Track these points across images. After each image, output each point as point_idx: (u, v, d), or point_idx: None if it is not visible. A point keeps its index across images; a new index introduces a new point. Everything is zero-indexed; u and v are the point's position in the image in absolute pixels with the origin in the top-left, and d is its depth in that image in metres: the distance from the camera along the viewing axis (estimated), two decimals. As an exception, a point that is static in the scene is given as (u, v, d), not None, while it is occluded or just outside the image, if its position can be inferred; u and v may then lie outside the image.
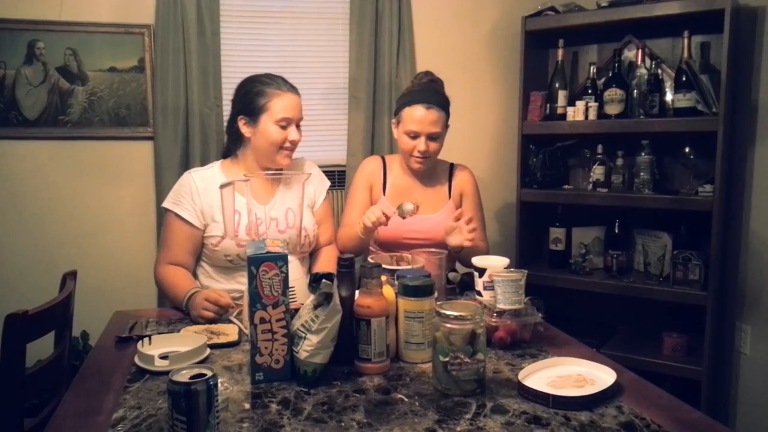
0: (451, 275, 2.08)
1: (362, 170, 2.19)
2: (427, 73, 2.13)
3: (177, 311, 1.74)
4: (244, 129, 1.88)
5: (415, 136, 2.02)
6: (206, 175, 1.89)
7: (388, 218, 1.85)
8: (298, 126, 1.90)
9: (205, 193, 1.85)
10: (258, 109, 1.85)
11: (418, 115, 2.00)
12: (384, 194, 2.13)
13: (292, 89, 1.89)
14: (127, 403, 1.16)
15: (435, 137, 2.03)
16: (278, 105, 1.84)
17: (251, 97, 1.86)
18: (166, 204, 1.87)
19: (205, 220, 1.85)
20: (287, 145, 1.87)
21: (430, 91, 2.05)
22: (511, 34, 2.99)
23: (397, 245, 2.06)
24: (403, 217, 1.88)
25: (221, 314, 1.63)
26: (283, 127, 1.85)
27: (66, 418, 1.12)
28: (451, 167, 2.19)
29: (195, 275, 1.90)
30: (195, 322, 1.62)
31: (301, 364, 1.24)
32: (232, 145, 1.97)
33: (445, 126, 2.06)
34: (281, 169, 1.91)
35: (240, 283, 1.81)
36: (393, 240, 2.07)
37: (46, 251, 2.66)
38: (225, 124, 2.12)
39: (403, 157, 2.12)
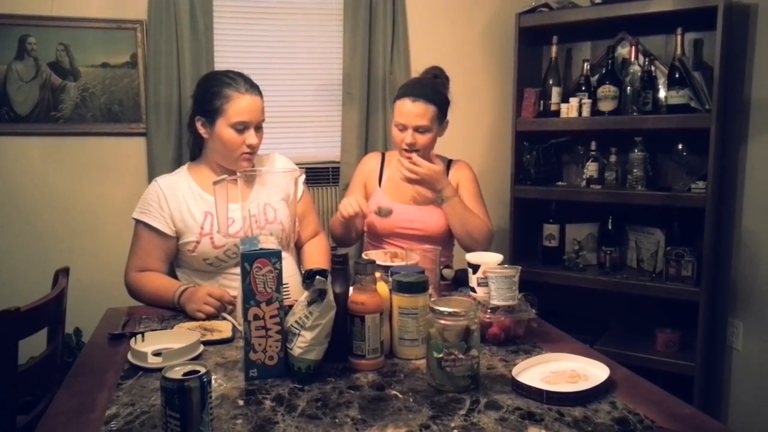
0: (445, 271, 2.09)
1: (360, 167, 2.25)
2: (434, 68, 2.16)
3: (169, 309, 1.72)
4: (201, 130, 1.82)
5: (402, 128, 2.04)
6: (173, 181, 1.85)
7: (364, 214, 1.95)
8: (258, 129, 1.82)
9: (173, 199, 1.80)
10: (214, 110, 1.77)
11: (403, 108, 2.02)
12: (380, 186, 2.15)
13: (252, 90, 1.80)
14: (120, 400, 1.15)
15: (422, 130, 2.02)
16: (234, 108, 1.76)
17: (208, 97, 1.78)
18: (134, 215, 1.82)
19: (176, 227, 1.80)
20: (245, 149, 1.80)
21: (421, 85, 2.06)
22: (504, 31, 2.99)
23: (392, 235, 2.08)
24: (381, 216, 2.00)
25: (222, 311, 1.63)
26: (240, 131, 1.77)
27: (59, 415, 1.12)
28: (449, 163, 2.20)
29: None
30: (192, 317, 1.61)
31: (295, 361, 1.24)
32: (194, 145, 1.92)
33: (436, 121, 2.04)
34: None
35: (223, 285, 1.80)
36: (388, 230, 2.08)
37: (38, 248, 2.65)
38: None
39: (397, 151, 2.14)
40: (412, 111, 2.00)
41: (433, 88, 2.07)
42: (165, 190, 1.81)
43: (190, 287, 1.69)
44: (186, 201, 1.81)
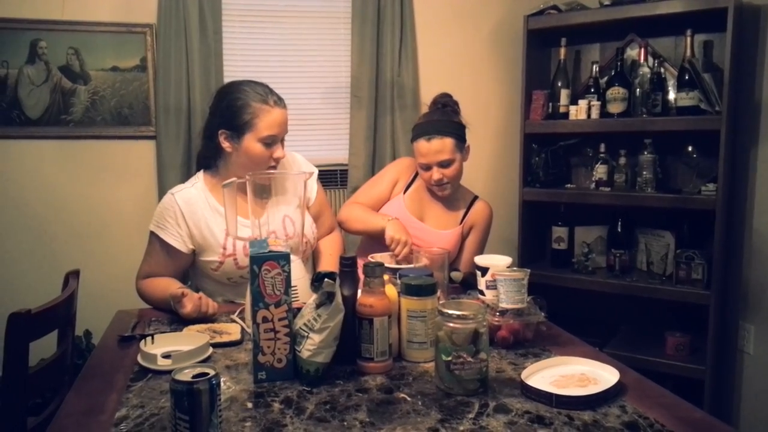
0: (454, 274, 2.08)
1: (396, 166, 2.25)
2: (442, 96, 2.13)
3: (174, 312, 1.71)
4: (225, 143, 1.75)
5: (426, 167, 2.05)
6: (190, 196, 1.78)
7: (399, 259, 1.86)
8: (283, 140, 1.79)
9: (191, 216, 1.75)
10: (242, 125, 1.71)
11: (421, 149, 2.03)
12: (404, 193, 2.14)
13: (279, 102, 1.75)
14: (129, 402, 1.16)
15: (446, 164, 2.03)
16: (265, 122, 1.71)
17: (234, 110, 1.72)
18: (151, 227, 1.77)
19: (194, 243, 1.76)
20: (271, 163, 1.76)
21: (432, 122, 2.05)
22: (513, 33, 2.98)
23: None
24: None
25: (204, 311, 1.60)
26: (268, 145, 1.73)
27: (69, 417, 1.12)
28: (474, 199, 2.19)
29: (197, 290, 1.81)
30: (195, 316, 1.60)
31: (304, 364, 1.24)
32: (210, 156, 1.83)
33: (456, 150, 2.03)
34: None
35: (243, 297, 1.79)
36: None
37: (48, 250, 2.66)
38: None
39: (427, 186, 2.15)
40: (430, 150, 2.01)
41: (444, 120, 2.05)
42: (183, 207, 1.76)
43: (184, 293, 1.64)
44: (206, 218, 1.77)
